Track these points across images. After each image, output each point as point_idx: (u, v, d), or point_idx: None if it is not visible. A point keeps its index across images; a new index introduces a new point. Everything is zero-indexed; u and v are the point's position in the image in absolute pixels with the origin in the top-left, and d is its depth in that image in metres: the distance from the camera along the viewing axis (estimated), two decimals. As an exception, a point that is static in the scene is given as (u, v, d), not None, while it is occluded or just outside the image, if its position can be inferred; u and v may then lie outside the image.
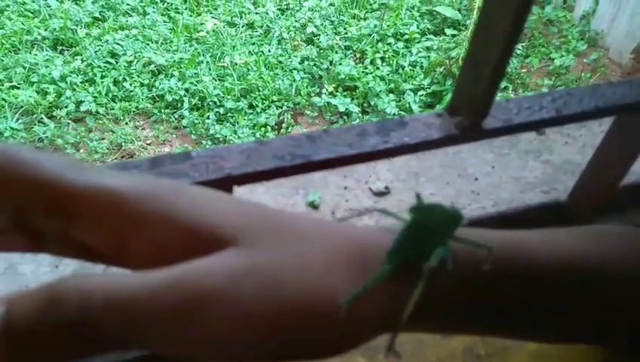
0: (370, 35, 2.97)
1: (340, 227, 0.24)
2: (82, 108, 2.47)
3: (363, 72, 2.79)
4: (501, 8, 0.43)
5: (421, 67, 2.84)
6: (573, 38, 3.09)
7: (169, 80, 2.62)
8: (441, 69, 2.73)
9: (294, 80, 2.71)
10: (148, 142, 2.44)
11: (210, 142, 2.43)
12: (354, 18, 3.14)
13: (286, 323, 0.20)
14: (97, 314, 0.17)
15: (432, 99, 2.69)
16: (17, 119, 2.39)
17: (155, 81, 2.63)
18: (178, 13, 3.07)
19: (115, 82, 2.61)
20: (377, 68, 2.82)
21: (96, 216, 0.20)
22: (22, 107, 2.43)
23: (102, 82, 2.58)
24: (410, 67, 2.83)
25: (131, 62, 2.68)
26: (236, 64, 2.73)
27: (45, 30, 2.80)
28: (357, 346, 0.23)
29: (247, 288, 0.19)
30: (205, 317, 0.19)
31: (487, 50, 0.46)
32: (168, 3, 3.14)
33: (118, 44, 2.75)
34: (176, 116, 2.53)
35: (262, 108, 2.59)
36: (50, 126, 2.38)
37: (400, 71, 2.82)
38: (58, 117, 2.43)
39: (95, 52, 2.69)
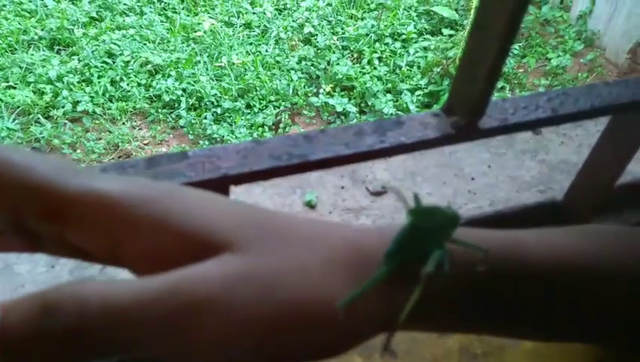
0: (367, 35, 2.97)
1: (337, 228, 0.24)
2: (79, 109, 2.46)
3: (360, 72, 2.79)
4: (497, 8, 0.43)
5: (418, 67, 2.84)
6: (569, 38, 3.10)
7: (166, 80, 2.61)
8: (439, 69, 2.74)
9: (292, 80, 2.71)
10: (145, 142, 2.44)
11: (207, 142, 2.42)
12: (351, 18, 3.15)
13: (283, 327, 0.20)
14: (94, 321, 0.17)
15: (430, 99, 2.70)
16: (14, 119, 2.39)
17: (152, 81, 2.63)
18: (175, 13, 3.07)
19: (112, 82, 2.61)
20: (375, 68, 2.83)
21: (90, 221, 0.20)
22: (18, 107, 2.42)
23: (99, 82, 2.57)
24: (407, 67, 2.84)
25: (128, 62, 2.68)
26: (233, 64, 2.72)
27: (42, 30, 2.79)
28: (354, 347, 0.23)
29: (241, 294, 0.19)
30: (201, 325, 0.18)
31: (483, 50, 0.46)
32: (165, 3, 3.13)
33: (115, 44, 2.74)
34: (174, 116, 2.52)
35: (259, 108, 2.59)
36: (46, 126, 2.37)
37: (397, 71, 2.83)
38: (55, 117, 2.42)
39: (92, 52, 2.68)
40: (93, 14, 2.97)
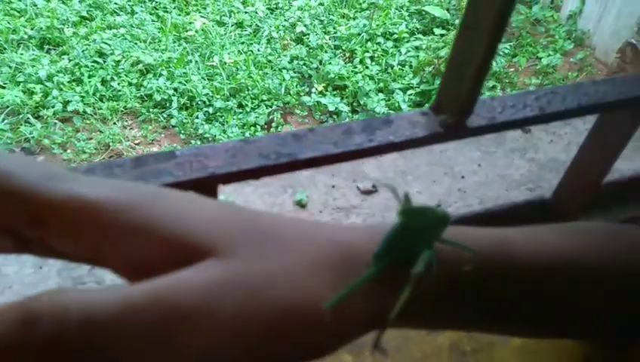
0: (359, 34, 2.98)
1: (324, 229, 0.24)
2: (69, 108, 2.44)
3: (352, 71, 2.79)
4: (484, 8, 0.43)
5: (410, 66, 2.85)
6: (560, 38, 3.13)
7: (157, 79, 2.60)
8: (430, 68, 2.75)
9: (284, 79, 2.71)
10: (136, 141, 2.43)
11: (199, 142, 2.42)
12: (343, 17, 3.15)
13: (270, 333, 0.20)
14: (74, 331, 0.17)
15: (421, 98, 2.71)
16: (3, 119, 2.36)
17: (143, 80, 2.61)
18: (166, 12, 3.05)
19: (103, 82, 2.59)
20: (367, 67, 2.83)
21: (73, 228, 0.20)
22: (7, 107, 2.40)
23: (89, 82, 2.55)
24: (399, 66, 2.85)
25: (119, 61, 2.66)
26: (225, 63, 2.72)
27: (32, 29, 2.76)
28: (343, 346, 0.23)
29: (225, 301, 0.19)
30: (184, 334, 0.18)
31: (470, 49, 0.46)
32: (157, 2, 3.12)
33: (105, 43, 2.73)
34: (165, 116, 2.51)
35: (251, 108, 2.58)
36: (36, 126, 2.36)
37: (389, 70, 2.83)
38: (45, 117, 2.40)
39: (82, 51, 2.67)
40: (84, 13, 2.95)
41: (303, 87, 2.73)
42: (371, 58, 2.89)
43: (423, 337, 0.65)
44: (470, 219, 0.73)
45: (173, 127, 2.48)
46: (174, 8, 3.09)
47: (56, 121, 2.41)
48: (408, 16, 3.16)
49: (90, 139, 2.39)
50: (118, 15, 2.98)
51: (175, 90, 2.58)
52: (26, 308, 0.17)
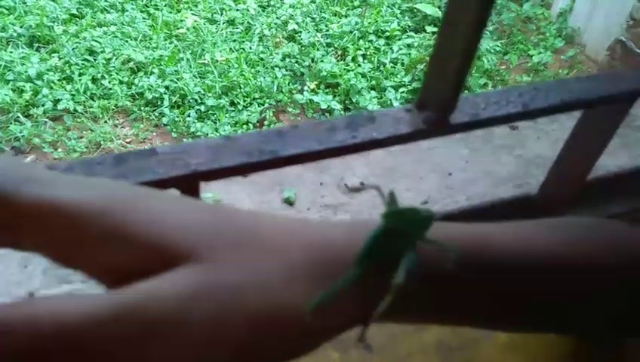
0: (351, 32, 2.98)
1: (304, 230, 0.24)
2: (60, 107, 2.43)
3: (344, 69, 2.79)
4: (464, 4, 0.44)
5: (402, 64, 2.86)
6: (550, 35, 3.14)
7: (149, 77, 2.59)
8: (422, 66, 2.75)
9: (276, 77, 2.70)
10: (128, 140, 2.41)
11: (191, 140, 2.41)
12: (335, 15, 3.15)
13: (246, 341, 0.20)
14: (46, 341, 0.17)
15: (414, 96, 2.71)
16: (-8, 118, 2.35)
17: (134, 78, 2.60)
18: (157, 9, 3.04)
19: (94, 80, 2.57)
20: (359, 65, 2.83)
21: (43, 233, 0.20)
22: (-3, 106, 2.38)
23: (80, 80, 2.54)
24: (391, 64, 2.85)
25: (110, 59, 2.65)
26: (217, 61, 2.71)
27: (21, 27, 2.74)
28: (325, 343, 0.23)
29: (198, 312, 0.19)
30: (156, 345, 0.18)
31: (452, 45, 0.46)
32: (147, -1, 3.10)
33: (96, 41, 2.71)
34: (157, 114, 2.50)
35: (243, 106, 2.58)
36: (26, 125, 2.34)
37: (381, 68, 2.84)
38: (35, 115, 2.38)
39: (72, 49, 2.65)
40: (74, 11, 2.92)
41: (296, 85, 2.73)
42: (363, 56, 2.89)
43: (409, 334, 0.65)
44: (456, 215, 0.74)
45: (165, 125, 2.47)
46: (165, 6, 3.08)
47: (47, 120, 2.39)
48: (400, 13, 3.16)
49: (81, 137, 2.38)
50: (109, 13, 2.96)
51: (167, 88, 2.57)
52: None
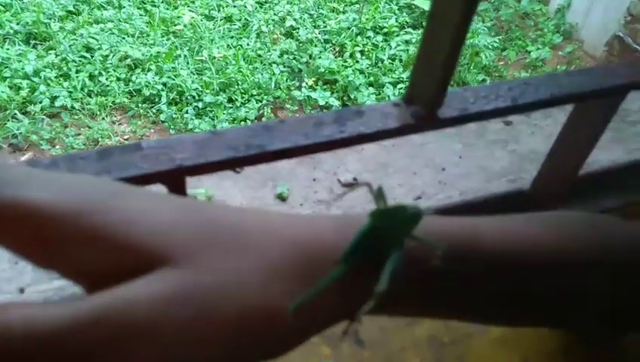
0: (349, 28, 2.97)
1: (288, 225, 0.23)
2: (57, 104, 2.42)
3: (342, 65, 2.79)
4: (451, -2, 0.43)
5: (400, 60, 2.85)
6: (548, 31, 3.14)
7: (146, 74, 2.58)
8: (420, 62, 2.74)
9: (274, 74, 2.70)
10: (125, 137, 2.41)
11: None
12: (333, 11, 3.14)
13: (226, 344, 0.20)
14: (19, 348, 0.17)
15: (411, 92, 2.71)
16: (-11, 115, 2.35)
17: (131, 75, 2.59)
18: (154, 6, 3.03)
19: (91, 77, 2.57)
20: (357, 61, 2.83)
21: (19, 236, 0.19)
22: (-6, 103, 2.38)
23: (77, 77, 2.53)
24: (389, 60, 2.84)
25: (107, 56, 2.64)
26: (214, 58, 2.70)
27: (17, 24, 2.73)
28: (310, 338, 0.23)
29: (175, 316, 0.19)
30: (132, 352, 0.18)
31: (439, 40, 0.46)
32: (145, -4, 3.09)
33: (93, 37, 2.70)
34: (154, 111, 2.50)
35: (241, 102, 2.57)
36: (24, 122, 2.33)
37: (379, 64, 2.83)
38: (32, 112, 2.38)
39: (69, 46, 2.64)
40: (70, 8, 2.92)
41: (293, 82, 2.72)
42: (361, 52, 2.88)
43: (401, 329, 0.65)
44: (449, 210, 0.73)
45: (163, 122, 2.47)
46: (162, 2, 3.07)
47: (44, 117, 2.39)
48: (398, 9, 3.16)
49: (79, 134, 2.38)
50: (106, 9, 2.95)
51: (164, 85, 2.56)
52: None
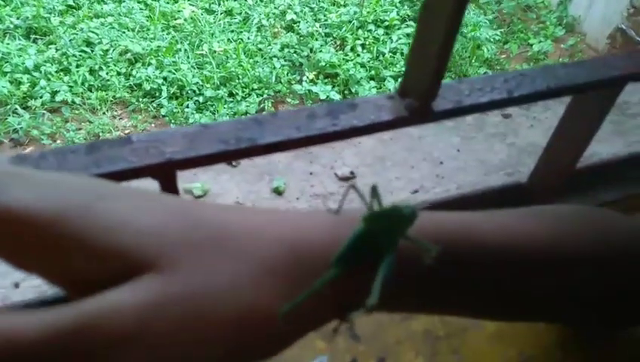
0: (350, 21, 2.95)
1: (277, 227, 0.23)
2: (58, 98, 2.42)
3: (343, 59, 2.77)
4: (444, -12, 0.43)
5: (401, 54, 2.84)
6: (551, 24, 3.11)
7: (146, 68, 2.58)
8: (421, 56, 2.73)
9: (274, 67, 2.69)
10: (126, 131, 2.41)
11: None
12: (334, 5, 3.12)
13: (213, 350, 0.19)
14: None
15: (412, 86, 2.69)
16: (-10, 110, 2.35)
17: (132, 69, 2.59)
18: (155, 0, 3.02)
19: (91, 71, 2.57)
20: (358, 55, 2.81)
21: (1, 240, 0.19)
22: (-5, 98, 2.38)
23: (77, 71, 2.53)
24: (390, 54, 2.83)
25: (107, 50, 2.64)
26: (215, 52, 2.69)
27: (17, 18, 2.73)
28: (301, 338, 0.23)
29: (161, 323, 0.18)
30: (120, 358, 0.17)
31: (432, 31, 0.46)
32: (145, -10, 3.08)
33: (93, 32, 2.70)
34: (155, 105, 2.50)
35: (242, 97, 2.57)
36: (24, 117, 2.34)
37: (380, 58, 2.82)
38: (33, 107, 2.39)
39: (70, 40, 2.64)
40: (70, 2, 2.91)
41: (294, 76, 2.71)
42: (362, 46, 2.87)
43: (397, 323, 0.65)
44: (446, 204, 0.73)
45: (164, 116, 2.46)
46: (163, -4, 3.06)
47: (45, 112, 2.39)
48: (399, 2, 3.14)
49: (80, 129, 2.38)
50: (106, 3, 2.94)
51: (164, 79, 2.56)
52: None
